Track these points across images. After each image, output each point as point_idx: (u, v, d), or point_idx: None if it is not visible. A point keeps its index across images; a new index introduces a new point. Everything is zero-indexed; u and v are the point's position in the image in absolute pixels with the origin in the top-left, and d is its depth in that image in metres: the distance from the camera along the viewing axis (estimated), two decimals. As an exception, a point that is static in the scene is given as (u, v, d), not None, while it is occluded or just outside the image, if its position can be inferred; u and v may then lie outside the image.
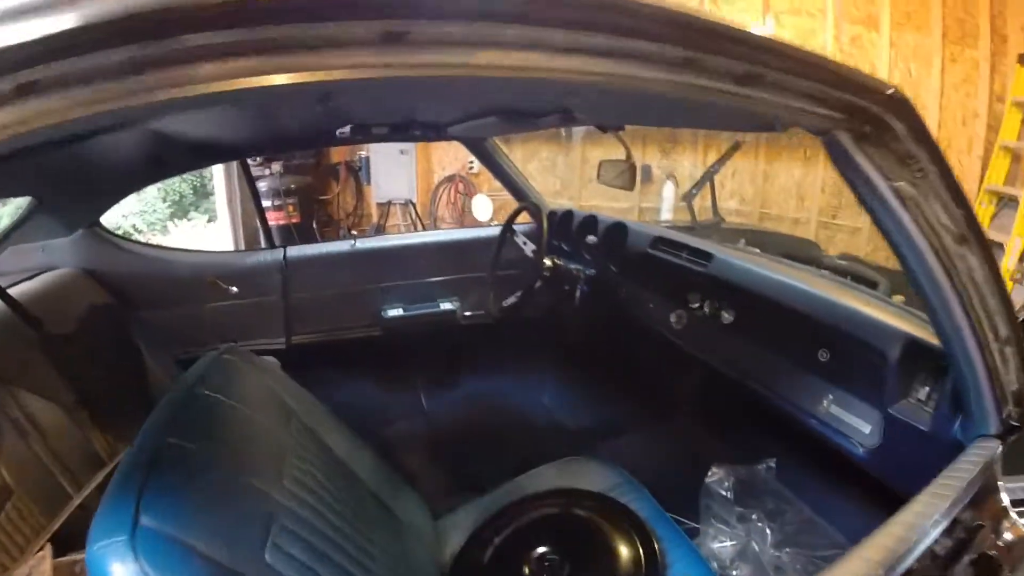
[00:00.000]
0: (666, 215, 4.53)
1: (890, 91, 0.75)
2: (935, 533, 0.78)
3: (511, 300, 1.91)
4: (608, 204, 4.75)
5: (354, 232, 4.39)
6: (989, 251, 0.87)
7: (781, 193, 4.71)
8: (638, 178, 1.90)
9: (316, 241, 4.39)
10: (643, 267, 1.84)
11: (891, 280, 3.82)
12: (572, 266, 1.91)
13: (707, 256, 1.62)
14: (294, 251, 2.05)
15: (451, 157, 4.57)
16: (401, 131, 1.65)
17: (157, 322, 1.79)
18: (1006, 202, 4.29)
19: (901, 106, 0.76)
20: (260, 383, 1.05)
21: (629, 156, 1.72)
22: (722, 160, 3.10)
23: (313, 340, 2.04)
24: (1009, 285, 3.98)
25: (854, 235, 4.80)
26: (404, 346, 2.13)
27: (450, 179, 4.58)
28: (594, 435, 2.04)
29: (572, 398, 2.28)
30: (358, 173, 4.75)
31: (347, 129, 1.45)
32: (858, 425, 1.17)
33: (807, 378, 1.30)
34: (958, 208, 0.82)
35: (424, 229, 4.61)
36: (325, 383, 1.80)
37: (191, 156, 1.62)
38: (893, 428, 1.08)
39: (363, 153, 4.69)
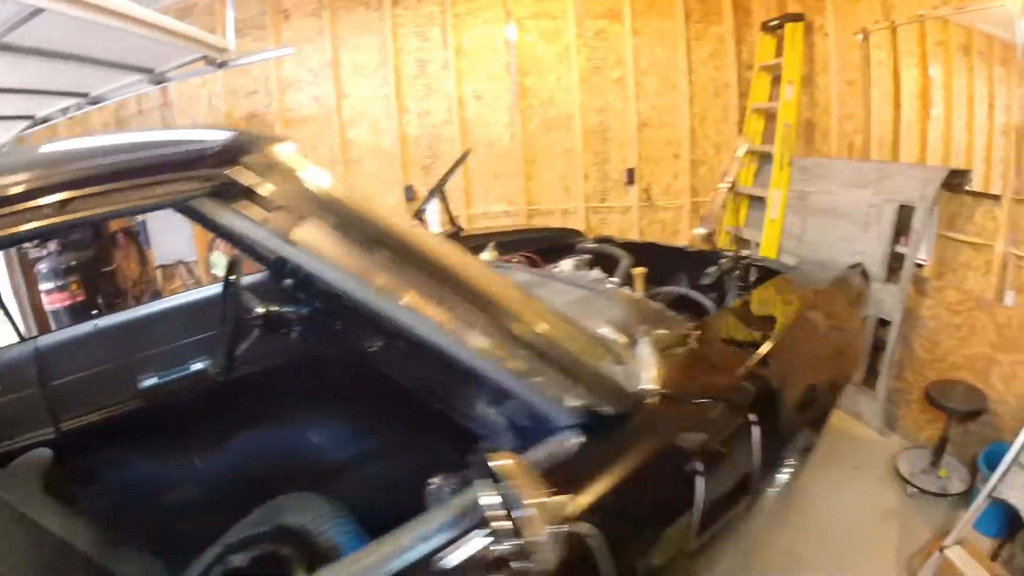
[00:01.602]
0: (433, 229, 4.66)
1: (216, 148, 0.77)
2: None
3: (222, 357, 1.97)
4: (381, 227, 4.86)
5: (96, 312, 4.40)
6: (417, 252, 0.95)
7: (547, 188, 4.85)
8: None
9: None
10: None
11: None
12: (287, 309, 2.02)
13: None
14: (46, 339, 2.13)
15: (223, 207, 4.66)
16: None
17: None
18: (767, 159, 4.48)
19: (237, 153, 0.78)
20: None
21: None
22: (448, 174, 3.20)
23: (81, 424, 2.06)
24: (777, 235, 4.17)
25: (626, 214, 4.97)
26: (166, 414, 2.16)
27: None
28: (343, 467, 2.14)
29: (333, 434, 2.36)
30: (137, 238, 4.81)
31: None
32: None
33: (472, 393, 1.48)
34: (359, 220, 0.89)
35: (204, 286, 4.69)
36: (101, 463, 1.85)
37: None
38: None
39: (140, 217, 4.78)
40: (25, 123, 3.90)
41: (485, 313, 1.00)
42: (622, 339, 1.30)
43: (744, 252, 2.71)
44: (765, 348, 1.63)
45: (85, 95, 3.70)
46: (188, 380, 2.20)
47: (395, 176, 4.64)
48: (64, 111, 3.84)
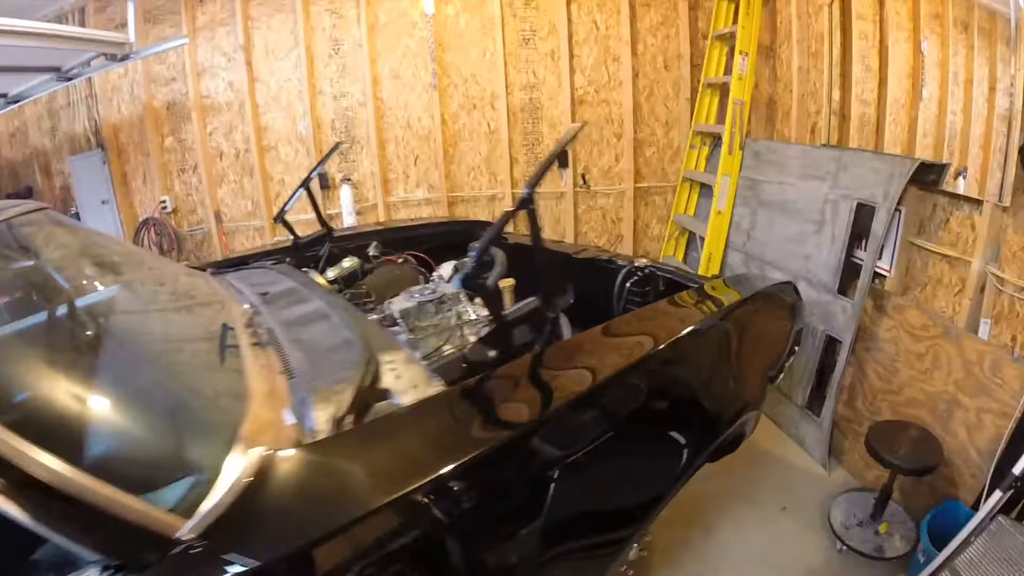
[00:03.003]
0: (348, 220, 4.42)
1: None
2: None
3: None
4: (298, 217, 4.67)
5: None
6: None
7: (470, 173, 4.50)
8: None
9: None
10: None
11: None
12: None
13: None
14: None
15: (148, 199, 4.64)
16: None
17: None
18: (719, 141, 3.96)
19: None
20: None
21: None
22: (315, 169, 2.97)
23: None
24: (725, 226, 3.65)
25: (560, 200, 4.53)
26: None
27: (145, 223, 4.63)
28: None
29: None
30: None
31: None
32: None
33: None
34: None
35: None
36: None
37: None
38: None
39: (73, 209, 4.83)
40: None
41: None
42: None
43: (643, 260, 2.30)
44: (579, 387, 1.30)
45: (4, 95, 3.89)
46: None
47: (309, 163, 4.44)
48: None
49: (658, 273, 2.27)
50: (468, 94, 4.37)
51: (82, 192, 4.73)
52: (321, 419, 1.13)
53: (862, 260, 2.55)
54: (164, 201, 4.60)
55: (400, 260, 2.87)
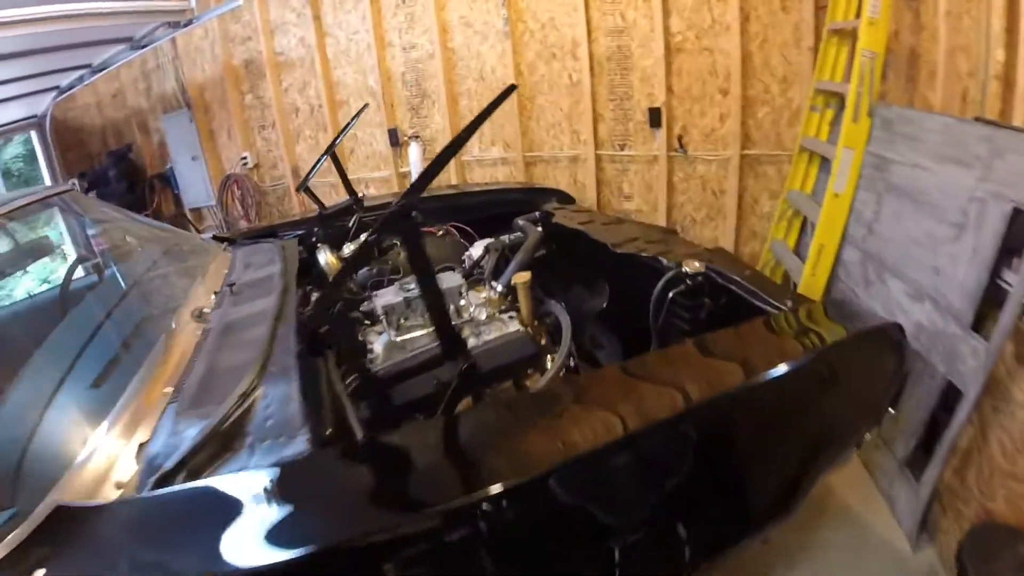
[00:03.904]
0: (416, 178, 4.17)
1: None
2: None
3: None
4: (369, 175, 4.52)
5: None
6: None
7: (550, 131, 4.04)
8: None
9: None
10: None
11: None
12: None
13: None
14: None
15: (234, 155, 4.69)
16: None
17: None
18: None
19: None
20: None
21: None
22: (341, 133, 2.79)
23: None
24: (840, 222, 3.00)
25: (652, 165, 3.97)
26: None
27: (227, 179, 4.69)
28: None
29: None
30: (170, 183, 5.08)
31: None
32: None
33: None
34: None
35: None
36: None
37: None
38: None
39: (169, 165, 5.03)
40: (53, 93, 4.52)
41: None
42: None
43: (695, 265, 1.74)
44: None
45: (88, 66, 4.22)
46: None
47: (381, 118, 4.22)
48: (80, 79, 4.41)
49: (718, 282, 1.78)
50: (546, 42, 3.88)
51: (175, 149, 4.89)
52: (154, 464, 1.00)
53: (1011, 287, 1.86)
54: (245, 157, 4.64)
55: (440, 233, 2.61)
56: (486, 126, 4.11)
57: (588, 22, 3.75)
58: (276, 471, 0.94)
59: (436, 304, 1.34)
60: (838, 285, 2.88)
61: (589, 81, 3.84)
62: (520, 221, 2.40)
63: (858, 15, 3.04)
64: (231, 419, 1.09)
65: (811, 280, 2.98)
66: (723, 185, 3.90)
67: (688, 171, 3.93)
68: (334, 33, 4.16)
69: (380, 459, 1.05)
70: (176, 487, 0.94)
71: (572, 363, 1.73)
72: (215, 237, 2.68)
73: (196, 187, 4.91)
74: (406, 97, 4.21)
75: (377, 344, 1.68)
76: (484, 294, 1.80)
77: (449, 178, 4.25)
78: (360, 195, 2.72)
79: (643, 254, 1.95)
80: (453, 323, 1.61)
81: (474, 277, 2.09)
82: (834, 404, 1.38)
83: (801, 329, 1.44)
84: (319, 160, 2.64)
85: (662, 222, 3.97)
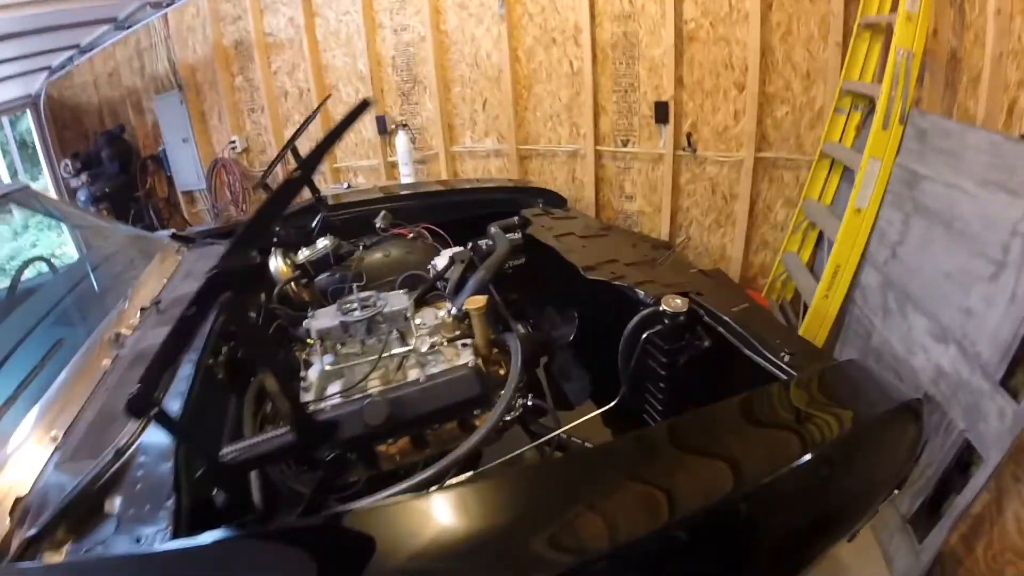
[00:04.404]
0: (405, 170, 3.89)
1: None
2: None
3: None
4: (358, 163, 4.28)
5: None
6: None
7: (547, 122, 3.73)
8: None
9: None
10: None
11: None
12: None
13: None
14: None
15: (225, 138, 4.51)
16: None
17: None
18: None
19: None
20: None
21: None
22: (301, 128, 2.54)
23: None
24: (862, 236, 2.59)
25: (657, 164, 3.61)
26: None
27: (215, 163, 4.51)
28: None
29: None
30: (162, 164, 4.94)
31: None
32: None
33: None
34: None
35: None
36: None
37: None
38: None
39: (161, 147, 4.88)
40: (45, 73, 4.49)
41: None
42: None
43: (678, 302, 1.42)
44: None
45: (77, 46, 4.19)
46: None
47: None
48: (70, 59, 4.38)
49: (705, 320, 1.46)
50: (546, 26, 3.56)
51: (167, 130, 4.74)
52: (25, 525, 0.91)
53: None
54: (234, 141, 4.46)
55: (411, 235, 2.35)
56: (479, 115, 3.83)
57: (592, 5, 3.42)
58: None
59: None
60: (853, 311, 2.51)
61: (591, 70, 3.51)
62: (493, 228, 2.18)
63: (894, 9, 2.62)
64: (103, 478, 0.96)
65: (824, 302, 2.62)
66: (734, 189, 3.52)
67: (696, 172, 3.57)
68: (323, 13, 3.93)
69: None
70: (30, 566, 0.84)
71: (529, 402, 1.48)
72: (174, 236, 2.46)
73: (187, 170, 4.76)
74: (396, 83, 3.95)
75: (312, 372, 1.43)
76: (443, 311, 1.59)
77: (440, 171, 3.99)
78: (322, 195, 2.48)
79: (617, 283, 1.65)
80: (396, 351, 1.44)
81: (435, 292, 1.84)
82: (841, 491, 1.10)
83: (804, 414, 1.14)
84: (280, 155, 2.38)
85: (665, 226, 3.63)
